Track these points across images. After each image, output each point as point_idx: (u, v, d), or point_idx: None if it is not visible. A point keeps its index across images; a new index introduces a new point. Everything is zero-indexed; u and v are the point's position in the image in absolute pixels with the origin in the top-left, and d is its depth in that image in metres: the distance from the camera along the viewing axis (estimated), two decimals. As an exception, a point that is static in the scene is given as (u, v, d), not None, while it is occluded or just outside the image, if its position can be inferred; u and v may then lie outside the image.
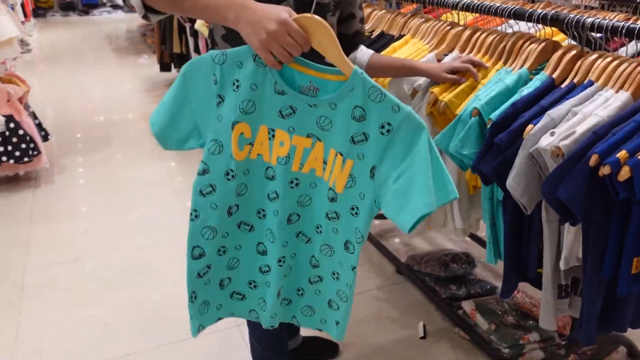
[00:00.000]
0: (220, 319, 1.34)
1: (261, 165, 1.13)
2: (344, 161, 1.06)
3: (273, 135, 1.09)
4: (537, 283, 1.49)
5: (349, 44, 1.51)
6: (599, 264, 1.17)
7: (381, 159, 1.04)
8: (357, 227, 1.11)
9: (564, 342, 1.93)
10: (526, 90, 1.36)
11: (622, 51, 1.63)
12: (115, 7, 10.73)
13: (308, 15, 0.99)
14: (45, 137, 3.55)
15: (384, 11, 2.13)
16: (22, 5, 6.96)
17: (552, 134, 1.17)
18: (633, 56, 1.50)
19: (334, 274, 1.21)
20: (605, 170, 1.06)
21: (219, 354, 1.94)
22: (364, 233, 1.11)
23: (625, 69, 1.23)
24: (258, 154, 1.12)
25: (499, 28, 1.90)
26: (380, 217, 2.84)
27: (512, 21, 1.86)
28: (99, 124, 4.48)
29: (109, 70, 6.36)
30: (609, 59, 1.29)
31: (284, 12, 0.98)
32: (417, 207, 1.01)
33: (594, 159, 1.08)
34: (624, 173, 1.04)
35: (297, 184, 1.13)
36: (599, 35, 1.44)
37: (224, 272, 1.27)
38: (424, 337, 2.09)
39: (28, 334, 2.04)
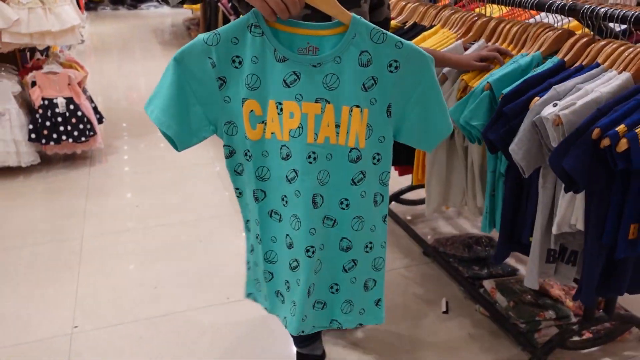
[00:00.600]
0: (266, 309, 1.34)
1: (276, 144, 1.08)
2: (361, 112, 1.05)
3: (281, 109, 1.05)
4: (529, 250, 1.60)
5: None
6: (600, 231, 1.29)
7: (393, 95, 1.05)
8: (383, 172, 1.14)
9: (578, 320, 2.03)
10: (539, 70, 1.49)
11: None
12: (162, 1, 11.08)
13: None
14: (100, 120, 3.82)
15: (417, 3, 2.26)
16: (77, -2, 7.33)
17: (555, 105, 1.30)
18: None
19: (367, 246, 1.18)
20: (605, 142, 1.18)
21: (256, 318, 2.11)
22: (388, 169, 1.14)
23: (629, 54, 1.35)
24: (272, 132, 1.07)
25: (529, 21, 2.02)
26: (409, 202, 2.99)
27: (542, 14, 1.97)
28: (144, 112, 4.71)
29: (155, 62, 6.65)
30: (616, 45, 1.41)
31: None
32: (439, 130, 1.11)
33: (596, 132, 1.20)
34: (622, 145, 1.16)
35: (314, 158, 1.07)
36: (621, 27, 1.56)
37: (263, 262, 1.24)
38: (446, 312, 2.22)
39: (86, 293, 2.27)
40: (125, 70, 6.21)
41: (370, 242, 1.20)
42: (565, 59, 1.49)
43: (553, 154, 1.29)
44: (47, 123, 3.30)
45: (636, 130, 1.17)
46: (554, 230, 1.42)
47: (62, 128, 3.34)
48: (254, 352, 1.94)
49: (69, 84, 3.33)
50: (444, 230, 2.82)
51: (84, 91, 3.60)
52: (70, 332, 2.01)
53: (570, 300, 2.10)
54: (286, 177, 1.11)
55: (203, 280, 2.36)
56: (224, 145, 1.13)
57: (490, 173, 1.66)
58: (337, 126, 1.07)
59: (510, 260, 2.50)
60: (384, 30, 1.02)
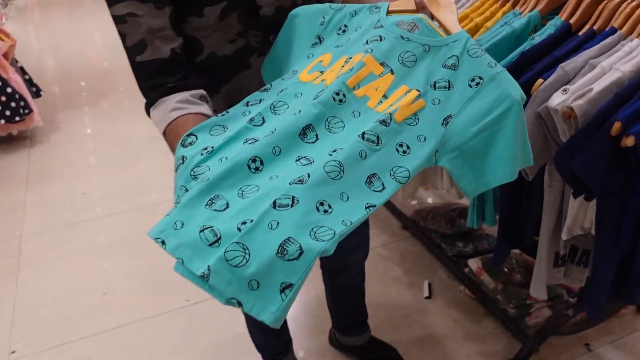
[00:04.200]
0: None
1: (316, 88, 0.97)
2: (417, 98, 0.93)
3: (347, 62, 0.99)
4: (533, 251, 1.40)
5: None
6: (614, 235, 1.07)
7: (461, 110, 0.92)
8: (400, 166, 0.90)
9: (572, 300, 1.86)
10: (538, 37, 1.21)
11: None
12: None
13: None
14: (37, 93, 3.44)
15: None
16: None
17: (565, 91, 1.04)
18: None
19: (322, 203, 0.84)
20: (628, 141, 0.93)
21: (219, 321, 1.91)
22: (409, 174, 0.89)
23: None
24: (323, 80, 0.99)
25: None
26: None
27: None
28: (102, 71, 4.36)
29: (109, 14, 6.12)
30: (635, 3, 1.13)
31: None
32: (495, 174, 0.90)
33: (616, 127, 0.95)
34: (652, 145, 0.92)
35: (340, 101, 0.93)
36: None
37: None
38: (428, 297, 2.04)
39: (25, 306, 2.01)
40: (77, 26, 5.71)
41: (328, 205, 0.84)
42: (571, 21, 1.20)
43: (559, 153, 1.04)
44: (-27, 104, 2.93)
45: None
46: (564, 235, 1.20)
47: (-10, 109, 2.97)
48: (219, 365, 1.74)
49: (-8, 58, 2.94)
50: (425, 198, 2.60)
51: (13, 63, 3.20)
52: (7, 358, 1.78)
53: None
54: (297, 111, 0.94)
55: (159, 280, 2.11)
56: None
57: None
58: (385, 97, 0.95)
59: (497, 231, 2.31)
60: (484, 51, 0.93)
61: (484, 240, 2.21)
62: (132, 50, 0.96)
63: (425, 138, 0.92)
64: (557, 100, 1.05)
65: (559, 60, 1.15)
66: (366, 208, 0.84)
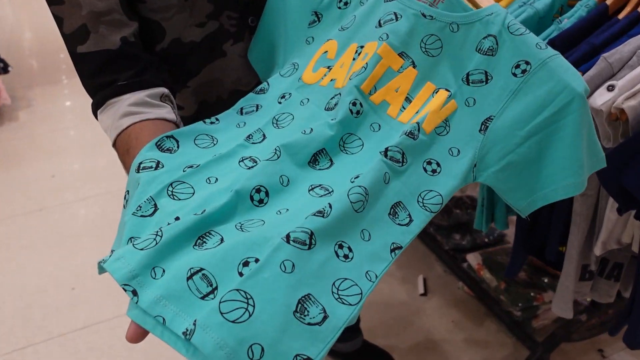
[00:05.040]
0: None
1: (327, 93, 0.80)
2: (447, 99, 0.74)
3: (359, 54, 0.79)
4: (555, 264, 1.26)
5: None
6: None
7: (504, 109, 0.73)
8: (430, 189, 0.72)
9: (586, 304, 1.73)
10: (566, 20, 1.04)
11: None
12: None
13: None
14: (4, 69, 3.20)
15: None
16: None
17: (611, 88, 0.86)
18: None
19: (341, 246, 0.65)
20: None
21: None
22: (442, 200, 0.70)
23: None
24: (332, 79, 0.81)
25: None
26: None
27: None
28: None
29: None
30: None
31: None
32: (555, 186, 0.71)
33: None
34: None
35: (358, 113, 0.75)
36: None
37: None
38: (424, 294, 1.90)
39: (-14, 299, 1.84)
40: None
41: (348, 248, 0.64)
42: (608, 2, 1.02)
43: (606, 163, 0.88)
44: None
45: None
46: (598, 250, 1.05)
47: (-49, 83, 2.74)
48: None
49: (-48, 27, 2.69)
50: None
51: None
52: (-39, 363, 1.61)
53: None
54: (304, 130, 0.74)
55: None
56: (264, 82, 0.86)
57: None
58: (407, 100, 0.75)
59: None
60: (525, 28, 0.72)
61: (481, 233, 2.08)
62: (72, 39, 0.75)
63: (458, 151, 0.73)
64: (602, 99, 0.87)
65: (598, 49, 0.97)
66: (391, 252, 0.64)
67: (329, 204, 0.60)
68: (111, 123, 0.73)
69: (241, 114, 0.80)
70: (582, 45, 0.95)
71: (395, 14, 0.77)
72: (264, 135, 0.75)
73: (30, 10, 5.03)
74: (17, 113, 3.14)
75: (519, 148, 0.70)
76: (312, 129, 0.72)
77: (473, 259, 1.92)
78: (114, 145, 0.74)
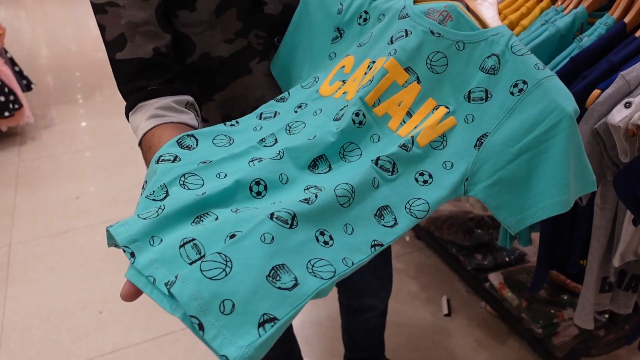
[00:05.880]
0: None
1: (338, 104, 0.84)
2: (445, 116, 0.78)
3: (370, 68, 0.84)
4: (576, 276, 1.28)
5: None
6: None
7: (499, 125, 0.76)
8: (419, 197, 0.75)
9: (604, 319, 1.74)
10: (587, 38, 1.06)
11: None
12: None
13: None
14: (27, 87, 3.26)
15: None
16: None
17: (628, 105, 0.89)
18: None
19: (323, 233, 0.70)
20: None
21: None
22: (429, 207, 0.74)
23: None
24: (345, 92, 0.86)
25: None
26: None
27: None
28: (98, 61, 4.19)
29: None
30: None
31: None
32: (542, 204, 0.73)
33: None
34: None
35: (360, 123, 0.80)
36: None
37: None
38: (448, 315, 1.90)
39: (13, 326, 1.87)
40: (71, 13, 5.51)
41: (329, 236, 0.69)
42: (626, 20, 1.05)
43: (620, 175, 0.90)
44: (-41, 100, 2.76)
45: None
46: (616, 262, 1.06)
47: (-23, 105, 2.81)
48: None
49: (-22, 51, 2.76)
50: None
51: (2, 54, 3.02)
52: (-6, 387, 1.64)
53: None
54: (311, 136, 0.80)
55: (159, 295, 1.97)
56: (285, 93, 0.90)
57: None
58: (409, 115, 0.80)
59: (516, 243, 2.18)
60: (528, 48, 0.76)
61: (503, 252, 2.08)
62: (111, 46, 0.83)
63: (452, 164, 0.76)
64: (619, 115, 0.90)
65: (617, 67, 1.00)
66: (372, 247, 0.68)
67: (315, 194, 0.66)
68: (139, 124, 0.80)
69: (260, 118, 0.85)
70: (602, 63, 0.98)
71: (406, 30, 0.81)
72: (275, 139, 0.79)
73: (46, 26, 5.12)
74: (41, 132, 3.20)
75: (509, 165, 0.73)
76: (315, 136, 0.77)
77: (495, 278, 1.92)
78: (140, 144, 0.80)
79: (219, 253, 0.55)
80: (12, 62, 3.22)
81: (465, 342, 1.79)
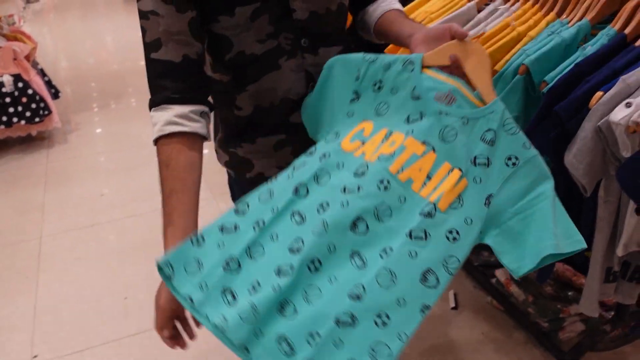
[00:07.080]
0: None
1: (358, 162, 1.00)
2: (459, 179, 0.95)
3: (388, 138, 1.01)
4: (582, 267, 1.35)
5: None
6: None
7: (500, 189, 0.96)
8: (452, 255, 0.91)
9: (609, 316, 1.80)
10: (590, 47, 1.16)
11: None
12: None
13: (473, 41, 0.99)
14: (55, 95, 3.43)
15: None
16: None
17: (629, 105, 0.99)
18: None
19: (379, 316, 0.86)
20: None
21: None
22: (459, 262, 0.91)
23: None
24: (363, 152, 1.02)
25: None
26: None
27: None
28: (114, 73, 4.37)
29: (121, 17, 6.17)
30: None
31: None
32: (537, 248, 0.90)
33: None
34: None
35: (385, 188, 0.95)
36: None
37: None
38: (455, 308, 1.99)
39: (45, 309, 1.98)
40: (90, 29, 5.74)
41: (387, 315, 0.85)
42: (626, 31, 1.15)
43: (625, 169, 1.00)
44: (-6, 104, 2.92)
45: None
46: (620, 252, 1.15)
47: (11, 109, 2.96)
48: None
49: (14, 59, 2.92)
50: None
51: (34, 65, 3.19)
52: (28, 363, 1.75)
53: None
54: (344, 187, 0.96)
55: (180, 284, 2.08)
56: (313, 147, 1.07)
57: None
58: (428, 178, 0.96)
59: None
60: (517, 126, 0.96)
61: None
62: (149, 46, 0.97)
63: (472, 220, 0.93)
64: (621, 114, 1.00)
65: (618, 72, 1.10)
66: (421, 311, 0.85)
67: (362, 285, 0.85)
68: (158, 121, 0.96)
69: (293, 169, 1.02)
70: (604, 68, 1.08)
71: (420, 113, 0.99)
72: (307, 190, 0.98)
73: (67, 41, 5.32)
74: (66, 136, 3.36)
75: (509, 221, 0.92)
76: (348, 202, 0.94)
77: (502, 274, 2.00)
78: (155, 142, 0.97)
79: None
80: (42, 73, 3.40)
81: (472, 335, 1.87)
